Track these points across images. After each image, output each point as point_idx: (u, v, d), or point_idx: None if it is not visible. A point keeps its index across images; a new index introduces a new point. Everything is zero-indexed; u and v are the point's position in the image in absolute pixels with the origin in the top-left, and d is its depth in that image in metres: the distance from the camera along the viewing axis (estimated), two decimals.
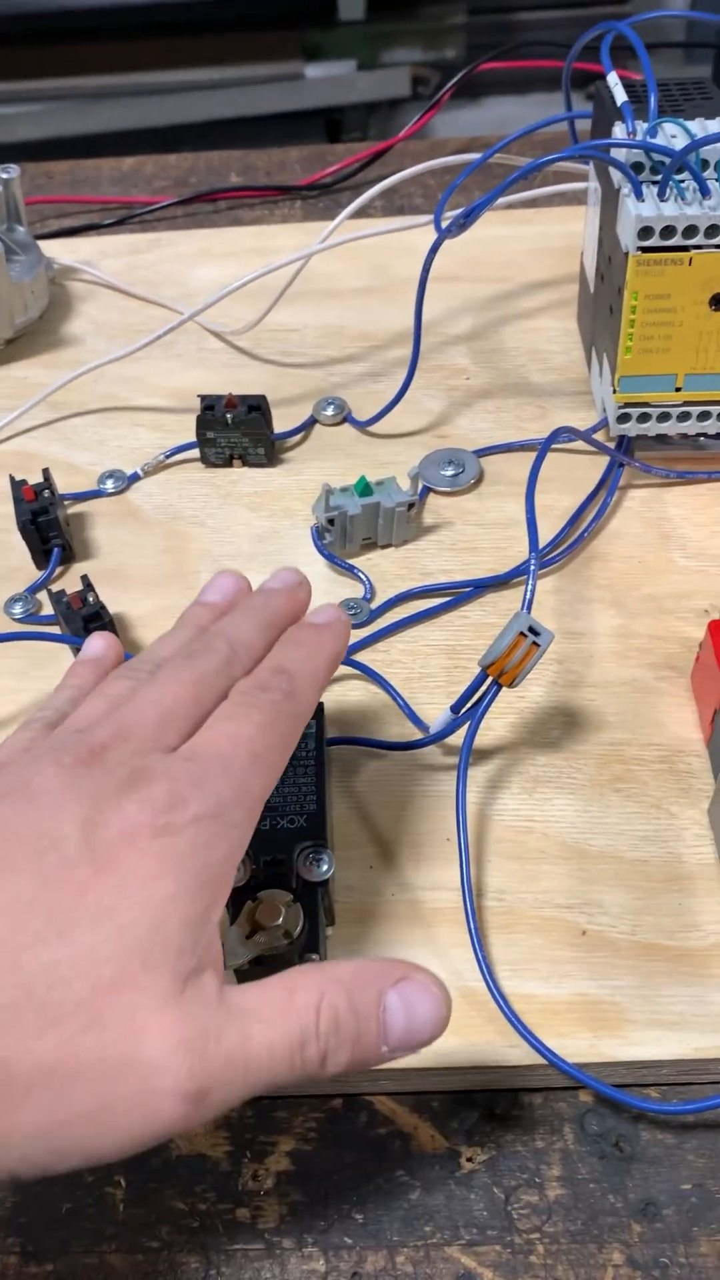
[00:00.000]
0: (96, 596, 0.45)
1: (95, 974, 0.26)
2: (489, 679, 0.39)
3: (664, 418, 0.48)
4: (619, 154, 0.44)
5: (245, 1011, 0.27)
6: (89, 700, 0.33)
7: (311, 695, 0.33)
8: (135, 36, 1.82)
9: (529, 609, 0.39)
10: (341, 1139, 0.36)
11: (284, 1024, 0.27)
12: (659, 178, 0.44)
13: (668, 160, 0.43)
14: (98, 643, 0.38)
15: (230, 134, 1.76)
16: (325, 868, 0.36)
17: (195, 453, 0.53)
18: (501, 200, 0.59)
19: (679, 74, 0.49)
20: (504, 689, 0.39)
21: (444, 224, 0.49)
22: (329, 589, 0.49)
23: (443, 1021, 0.29)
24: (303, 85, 1.86)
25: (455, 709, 0.41)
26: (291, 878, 0.36)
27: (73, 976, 0.26)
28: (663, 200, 0.44)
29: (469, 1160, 0.36)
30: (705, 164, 0.44)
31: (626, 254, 0.44)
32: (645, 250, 0.44)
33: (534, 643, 0.38)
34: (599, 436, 0.51)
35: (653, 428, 0.49)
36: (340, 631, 0.36)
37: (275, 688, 0.32)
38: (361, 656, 0.46)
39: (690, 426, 0.49)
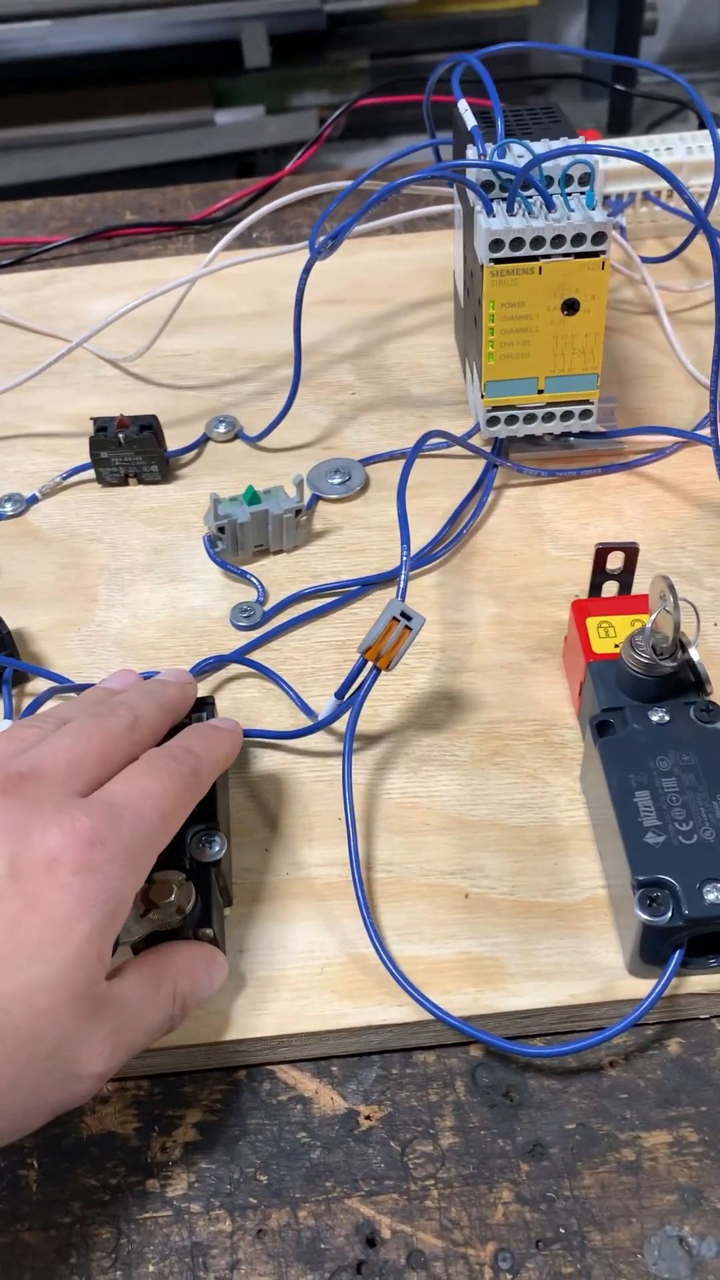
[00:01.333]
0: None
1: (32, 1003, 0.30)
2: (368, 664, 0.41)
3: (530, 419, 0.51)
4: (470, 174, 0.47)
5: (135, 1005, 0.33)
6: None
7: (210, 778, 0.38)
8: (45, 89, 1.85)
9: (403, 597, 0.42)
10: (245, 1108, 0.38)
11: (158, 1010, 0.34)
12: (508, 195, 0.47)
13: (513, 177, 0.46)
14: (126, 675, 0.42)
15: (143, 182, 1.79)
16: (217, 848, 0.38)
17: (92, 473, 0.56)
18: (380, 223, 0.62)
19: (532, 104, 0.52)
20: (383, 672, 0.41)
21: (316, 244, 0.51)
22: (223, 594, 0.51)
23: (223, 979, 0.37)
24: (213, 131, 1.90)
25: (340, 695, 0.43)
26: (185, 859, 0.38)
27: (13, 1006, 0.30)
28: (511, 215, 0.47)
29: (367, 1119, 0.37)
30: (550, 180, 0.47)
31: (482, 266, 0.47)
32: (497, 261, 0.47)
33: (406, 626, 0.40)
34: (475, 441, 0.54)
35: (520, 429, 0.52)
36: (237, 737, 0.41)
37: (185, 761, 0.36)
38: (256, 655, 0.48)
39: (554, 426, 0.52)
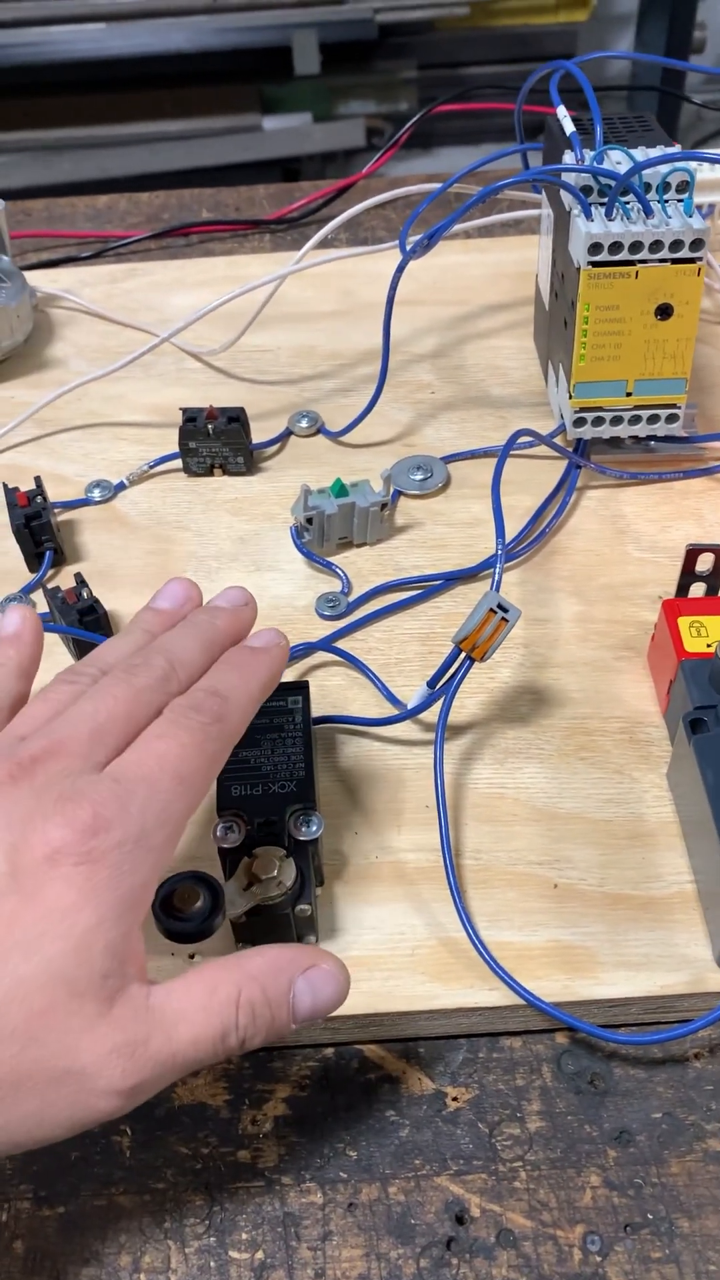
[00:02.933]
0: (90, 592, 0.48)
1: (28, 1003, 0.29)
2: (462, 654, 0.42)
3: (616, 421, 0.52)
4: (569, 178, 0.48)
5: (172, 1013, 0.30)
6: (33, 703, 0.35)
7: (242, 716, 0.35)
8: (98, 90, 1.87)
9: (498, 589, 0.43)
10: (334, 1085, 0.38)
11: (206, 1020, 0.31)
12: (606, 200, 0.48)
13: (613, 183, 0.47)
14: (177, 589, 0.39)
15: (191, 184, 1.81)
16: (314, 827, 0.39)
17: (178, 463, 0.56)
18: (460, 228, 0.63)
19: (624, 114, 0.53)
20: (476, 663, 0.42)
21: (408, 246, 0.52)
22: (308, 584, 0.52)
23: (343, 997, 0.33)
24: (261, 136, 1.92)
25: (431, 684, 0.44)
26: (284, 837, 0.38)
27: (8, 1006, 0.28)
28: (610, 220, 0.47)
29: (454, 1100, 0.38)
30: (648, 186, 0.48)
31: (578, 269, 0.48)
32: (595, 265, 0.47)
33: (503, 618, 0.41)
34: (558, 442, 0.55)
35: (606, 430, 0.52)
36: (277, 656, 0.37)
37: (207, 710, 0.33)
38: (341, 645, 0.49)
39: (640, 429, 0.52)
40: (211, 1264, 0.35)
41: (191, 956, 0.39)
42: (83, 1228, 0.36)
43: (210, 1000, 0.31)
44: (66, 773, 0.31)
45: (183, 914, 0.35)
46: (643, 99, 1.43)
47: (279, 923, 0.38)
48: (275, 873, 0.37)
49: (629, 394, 0.51)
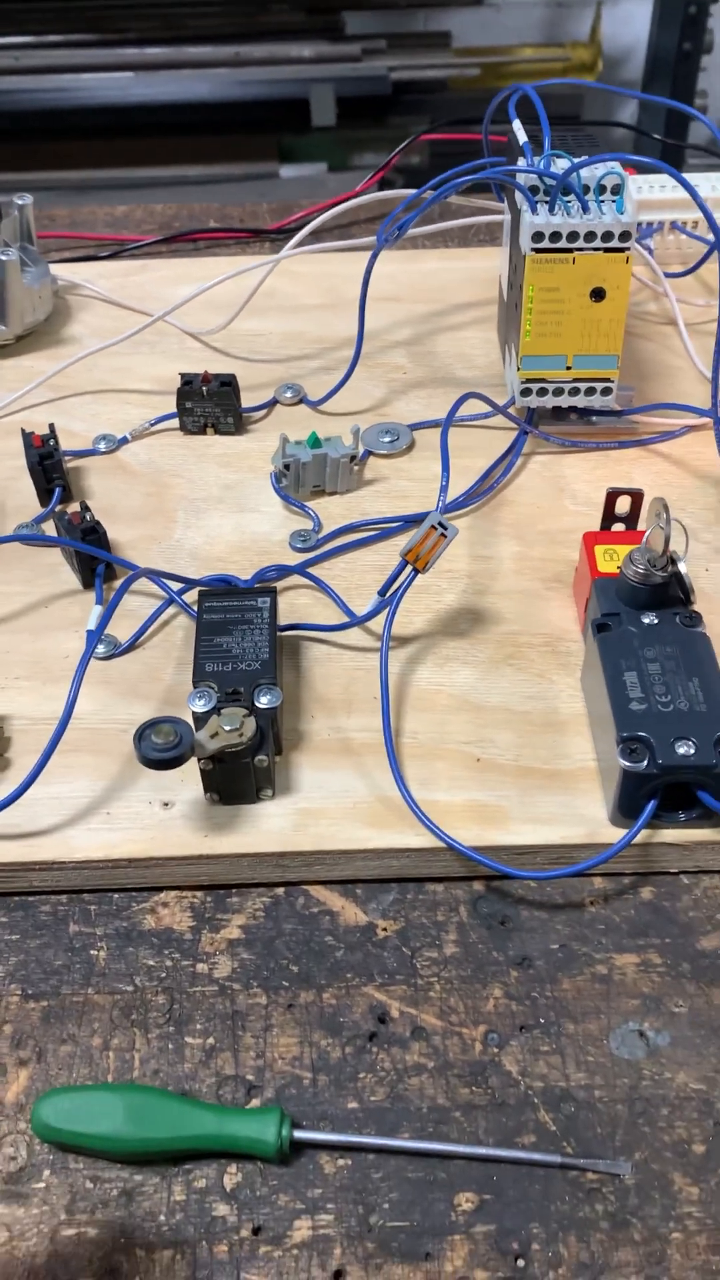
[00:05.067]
0: (93, 515, 0.55)
1: None
2: (407, 566, 0.49)
3: (558, 392, 0.60)
4: (520, 178, 0.56)
5: None
6: None
7: None
8: (123, 136, 1.98)
9: (441, 512, 0.50)
10: (282, 915, 0.45)
11: None
12: (550, 197, 0.56)
13: (554, 182, 0.55)
14: None
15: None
16: (273, 698, 0.46)
17: (175, 422, 0.64)
18: (434, 230, 0.71)
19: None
20: (419, 574, 0.49)
21: (382, 235, 0.60)
22: (284, 523, 0.59)
23: None
24: (277, 184, 2.02)
25: (381, 593, 0.51)
26: (248, 703, 0.45)
27: None
28: (552, 214, 0.55)
29: (383, 930, 0.45)
30: (586, 188, 0.56)
31: (525, 255, 0.56)
32: (538, 251, 0.55)
33: (442, 534, 0.48)
34: (512, 412, 0.62)
35: (549, 400, 0.60)
36: None
37: None
38: (310, 572, 0.56)
39: (579, 400, 0.60)
40: (169, 1046, 0.42)
41: (166, 805, 0.46)
42: (62, 1017, 0.42)
43: None
44: None
45: (160, 746, 0.42)
46: (647, 144, 1.49)
47: (241, 772, 0.45)
48: (238, 726, 0.44)
49: (569, 367, 0.59)
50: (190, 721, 0.44)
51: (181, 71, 1.93)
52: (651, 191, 0.68)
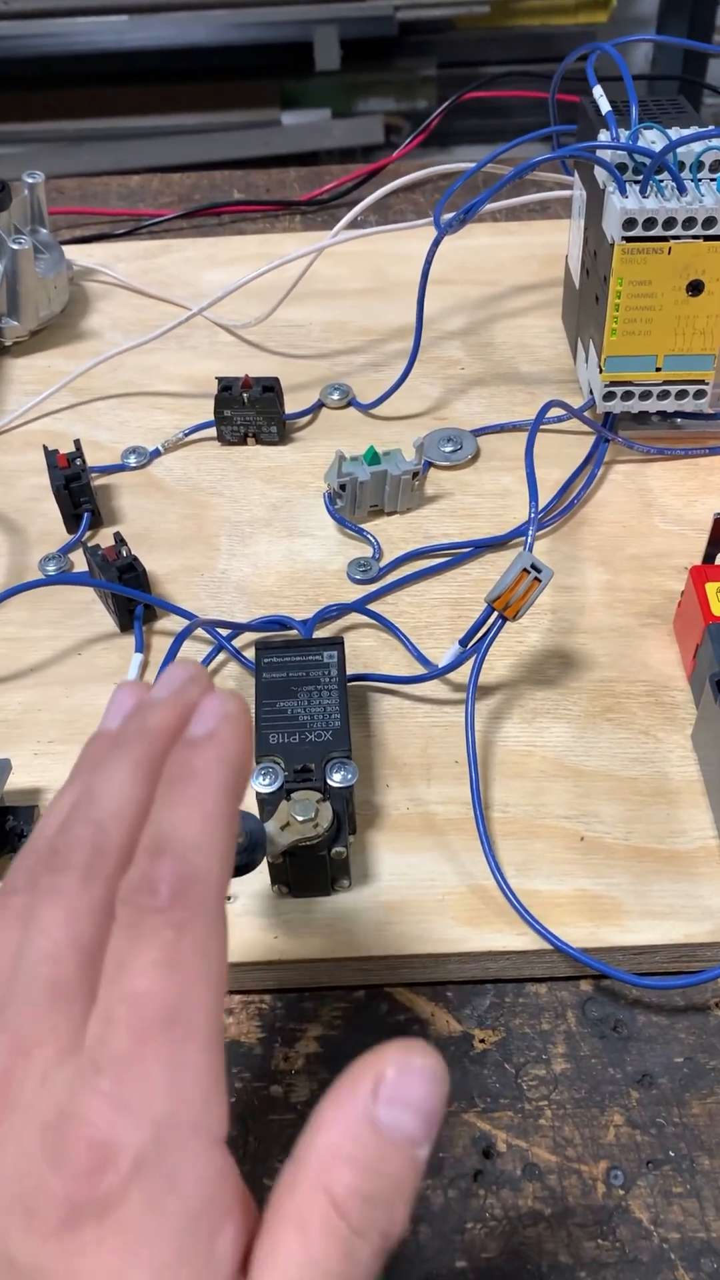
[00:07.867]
0: (129, 550, 0.49)
1: None
2: (494, 613, 0.43)
3: (645, 396, 0.53)
4: (606, 155, 0.49)
5: None
6: None
7: (212, 870, 0.25)
8: (118, 83, 1.89)
9: (530, 550, 0.44)
10: (365, 1025, 0.40)
11: (319, 1272, 0.22)
12: (641, 177, 0.49)
13: (648, 160, 0.48)
14: (125, 699, 0.30)
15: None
16: (349, 774, 0.40)
17: (211, 431, 0.58)
18: (488, 210, 0.64)
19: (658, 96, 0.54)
20: (508, 622, 0.43)
21: (443, 222, 0.53)
22: (340, 550, 0.53)
23: (440, 1087, 0.24)
24: (280, 132, 1.93)
25: (463, 642, 0.45)
26: (319, 784, 0.40)
27: None
28: (644, 196, 0.48)
29: (481, 1041, 0.39)
30: (682, 165, 0.49)
31: (612, 244, 0.49)
32: (629, 240, 0.48)
33: (535, 578, 0.42)
34: (588, 415, 0.56)
35: (635, 405, 0.53)
36: (227, 743, 0.27)
37: (161, 896, 0.24)
38: (372, 608, 0.50)
39: (669, 404, 0.53)
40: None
41: (229, 899, 0.41)
42: None
43: (307, 1242, 0.22)
44: (40, 1085, 0.23)
45: None
46: (662, 89, 1.44)
47: (315, 865, 0.39)
48: (313, 815, 0.38)
49: (658, 369, 0.52)
50: (254, 805, 0.39)
51: (178, 14, 1.83)
52: None
